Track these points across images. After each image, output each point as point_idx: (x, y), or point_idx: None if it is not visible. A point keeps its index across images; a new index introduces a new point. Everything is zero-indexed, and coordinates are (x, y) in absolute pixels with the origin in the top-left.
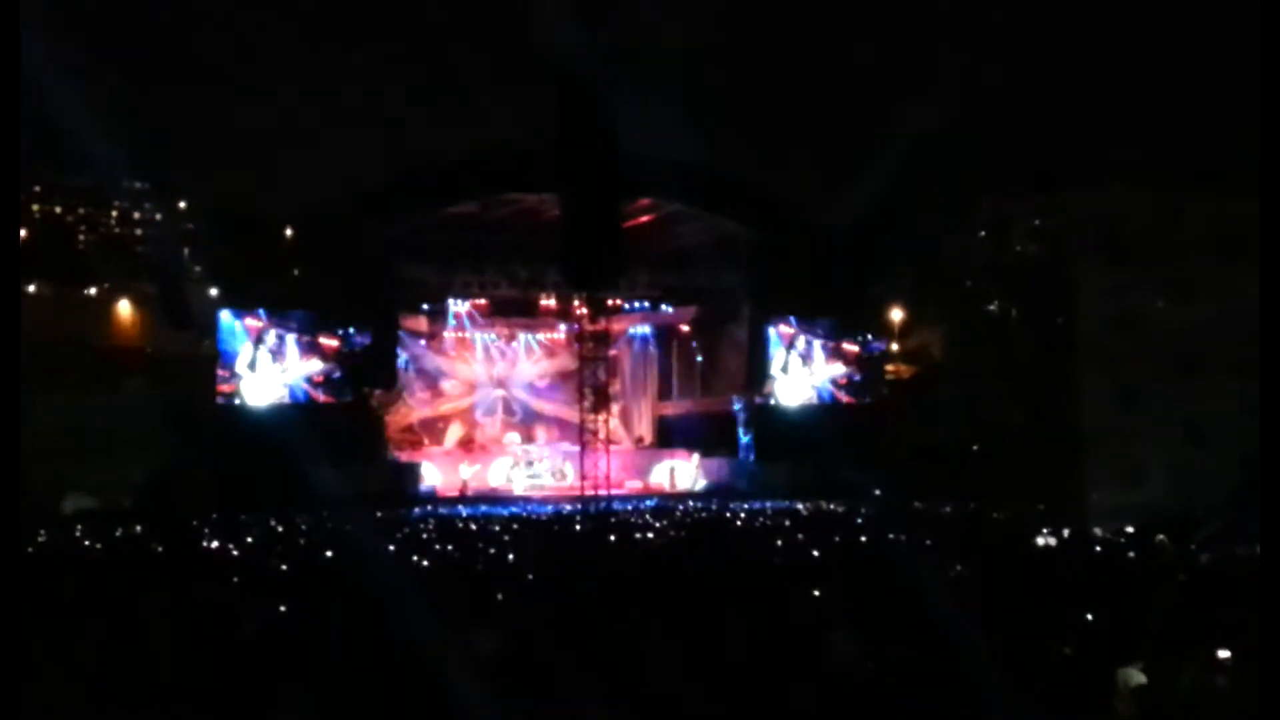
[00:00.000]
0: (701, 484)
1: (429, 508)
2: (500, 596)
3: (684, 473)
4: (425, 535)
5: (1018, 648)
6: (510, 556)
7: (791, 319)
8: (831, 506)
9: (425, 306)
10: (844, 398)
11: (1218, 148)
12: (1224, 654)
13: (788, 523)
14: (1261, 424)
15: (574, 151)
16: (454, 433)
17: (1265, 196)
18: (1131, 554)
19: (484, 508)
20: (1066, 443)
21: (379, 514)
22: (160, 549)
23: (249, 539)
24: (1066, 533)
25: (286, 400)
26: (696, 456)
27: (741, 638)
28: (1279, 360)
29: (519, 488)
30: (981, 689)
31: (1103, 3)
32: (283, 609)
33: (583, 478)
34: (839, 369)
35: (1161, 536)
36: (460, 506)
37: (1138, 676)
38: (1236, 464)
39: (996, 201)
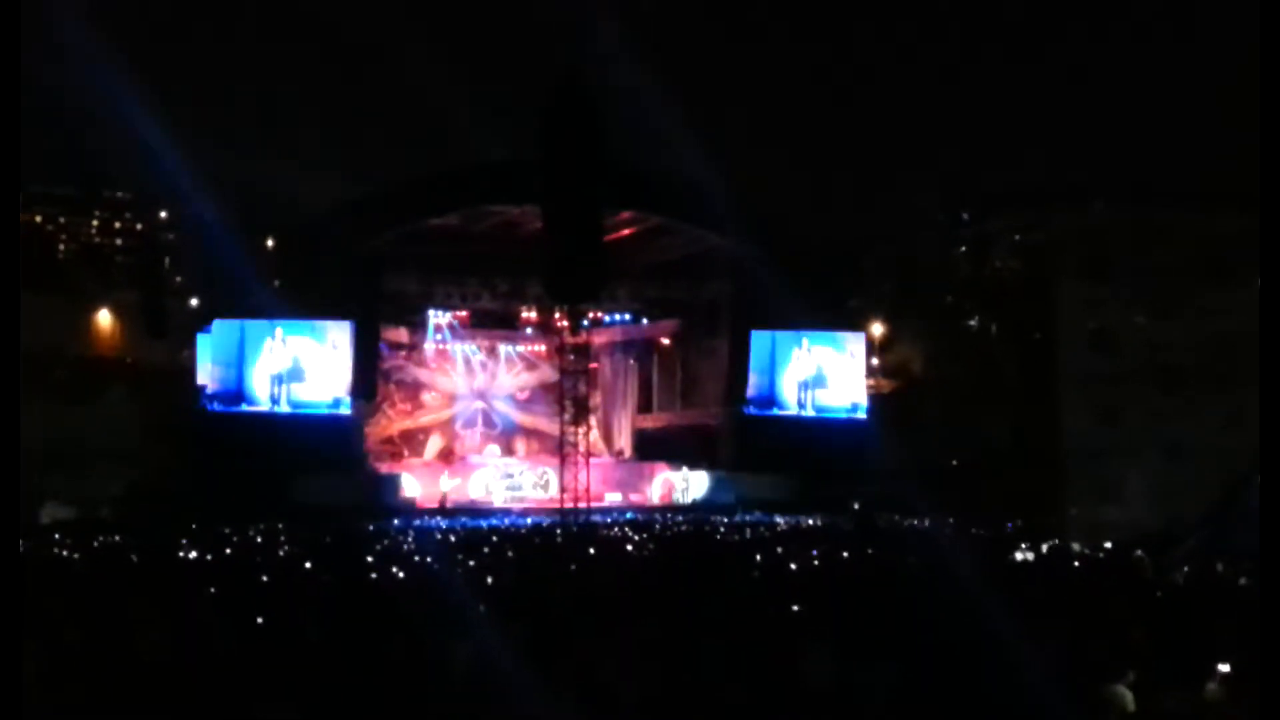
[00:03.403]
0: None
1: (412, 519)
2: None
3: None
4: (405, 547)
5: (999, 664)
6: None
7: (772, 332)
8: (811, 521)
9: (406, 318)
10: (825, 411)
11: (1197, 166)
12: (1223, 668)
13: (766, 535)
14: (1262, 425)
15: (557, 164)
16: (434, 444)
17: (1265, 200)
18: (1109, 569)
19: (463, 520)
20: (1046, 458)
21: (357, 525)
22: (137, 559)
23: (227, 550)
24: (1046, 548)
25: (266, 411)
26: (685, 469)
27: (719, 653)
28: (1278, 364)
29: (499, 500)
30: (966, 705)
31: (1085, 22)
32: (260, 620)
33: (562, 490)
34: (819, 383)
35: (1139, 552)
36: (440, 518)
37: (1125, 695)
38: (1215, 480)
39: (977, 217)
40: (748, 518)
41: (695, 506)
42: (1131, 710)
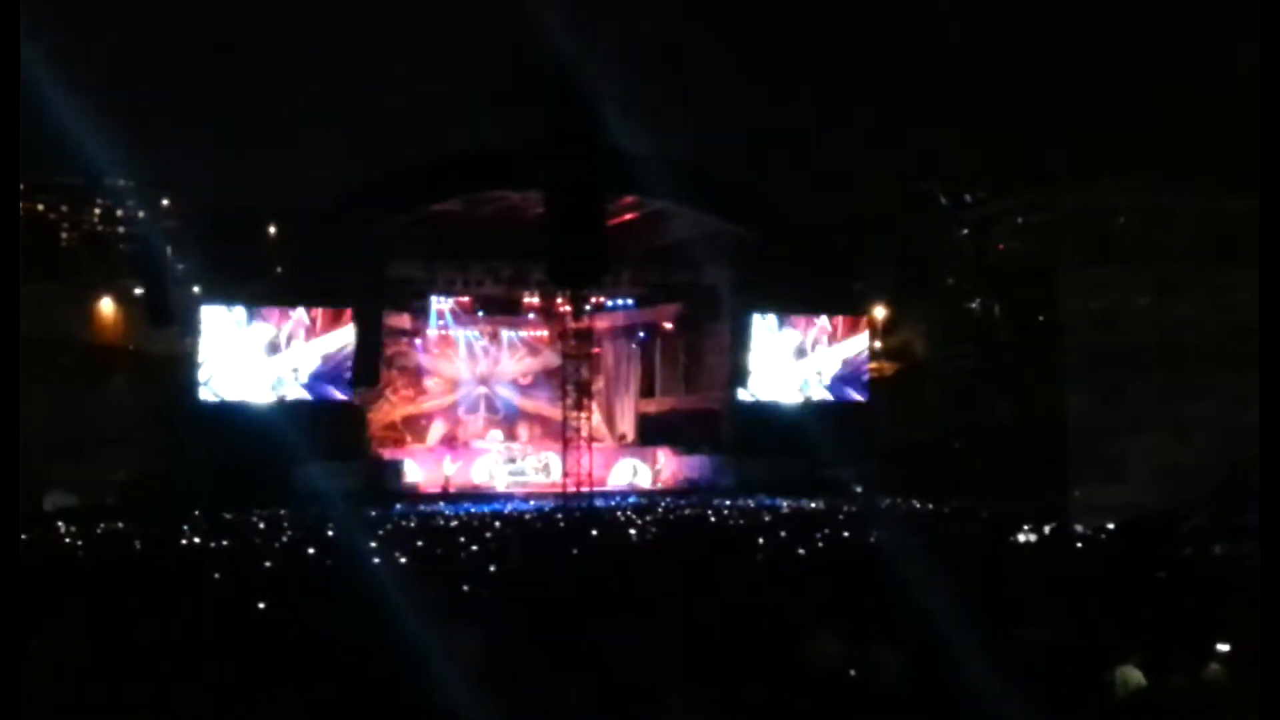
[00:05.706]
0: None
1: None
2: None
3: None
4: (408, 531)
5: (1005, 646)
6: (491, 554)
7: (775, 316)
8: (814, 504)
9: (408, 304)
10: (827, 395)
11: (1203, 147)
12: (1223, 647)
13: (769, 519)
14: (1262, 422)
15: (558, 148)
16: (437, 430)
17: (1265, 196)
18: (1114, 549)
19: (467, 505)
20: (1050, 439)
21: (360, 511)
22: (140, 546)
23: (229, 537)
24: (1049, 529)
25: (269, 398)
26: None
27: (722, 635)
28: (1279, 359)
29: (502, 484)
30: (970, 689)
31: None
32: (263, 606)
33: (565, 475)
34: (821, 366)
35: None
36: (443, 504)
37: (1136, 675)
38: (1220, 460)
39: (980, 198)
40: (751, 501)
41: (699, 489)
42: (1143, 687)
